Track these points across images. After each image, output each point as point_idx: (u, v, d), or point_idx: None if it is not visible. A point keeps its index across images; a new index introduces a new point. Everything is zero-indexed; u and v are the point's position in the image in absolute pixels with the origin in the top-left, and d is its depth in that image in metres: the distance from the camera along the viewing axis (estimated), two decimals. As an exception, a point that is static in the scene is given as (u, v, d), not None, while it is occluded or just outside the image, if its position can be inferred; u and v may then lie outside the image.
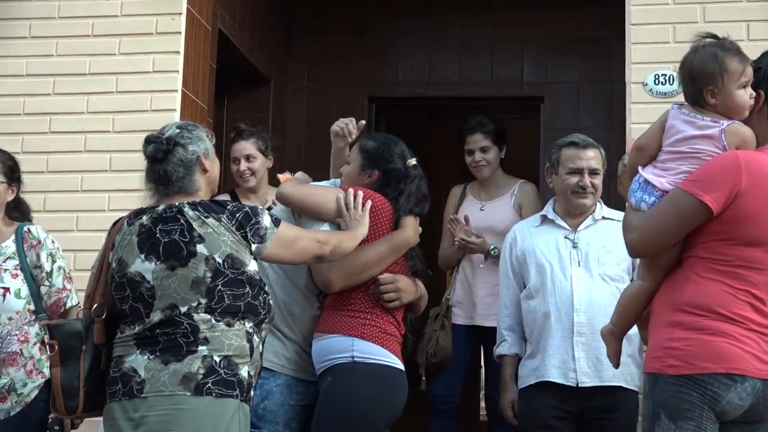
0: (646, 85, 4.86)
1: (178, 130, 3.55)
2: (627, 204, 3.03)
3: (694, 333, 2.73)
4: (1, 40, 5.27)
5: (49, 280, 4.18)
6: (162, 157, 3.45)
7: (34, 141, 5.20)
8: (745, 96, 2.82)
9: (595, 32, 6.36)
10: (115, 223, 3.61)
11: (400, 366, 3.84)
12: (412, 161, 4.01)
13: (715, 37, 2.92)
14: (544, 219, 4.28)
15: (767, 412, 2.84)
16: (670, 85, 4.79)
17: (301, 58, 7.27)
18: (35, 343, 4.14)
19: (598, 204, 4.22)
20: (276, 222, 3.55)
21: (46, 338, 3.78)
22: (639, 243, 2.92)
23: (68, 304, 4.19)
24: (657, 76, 4.85)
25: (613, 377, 3.80)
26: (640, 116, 4.75)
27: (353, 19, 7.21)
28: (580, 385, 3.87)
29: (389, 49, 7.26)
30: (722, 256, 2.76)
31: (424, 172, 4.01)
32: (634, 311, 3.07)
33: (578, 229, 4.09)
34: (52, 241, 4.24)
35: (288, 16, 7.23)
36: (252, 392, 3.49)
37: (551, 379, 3.78)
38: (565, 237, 4.15)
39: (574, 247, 3.99)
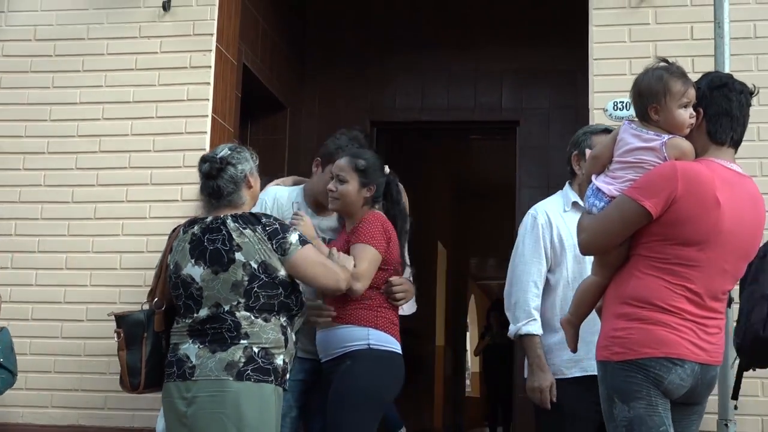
0: (606, 110, 4.81)
1: (229, 152, 3.63)
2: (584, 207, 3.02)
3: (635, 323, 2.74)
4: (60, 72, 5.23)
5: None
6: (216, 174, 3.54)
7: (86, 159, 5.16)
8: (685, 115, 2.80)
9: (563, 65, 6.33)
10: (174, 230, 3.68)
11: (400, 351, 3.87)
12: (387, 168, 3.99)
13: (666, 61, 2.92)
14: (575, 204, 3.69)
15: (705, 393, 2.88)
16: (627, 110, 4.67)
17: (312, 88, 7.28)
18: None
19: None
20: (303, 242, 3.55)
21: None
22: (588, 242, 2.91)
23: None
24: (615, 103, 4.81)
25: None
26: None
27: (358, 55, 7.21)
28: None
29: (388, 81, 7.28)
30: (661, 255, 2.76)
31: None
32: (588, 303, 3.04)
33: None
34: None
35: (302, 51, 7.24)
36: (287, 376, 3.51)
37: (588, 374, 3.39)
38: None
39: None
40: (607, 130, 3.59)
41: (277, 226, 3.52)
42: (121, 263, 5.02)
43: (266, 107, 6.77)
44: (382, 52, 7.24)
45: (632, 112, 4.56)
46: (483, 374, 11.37)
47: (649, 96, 2.83)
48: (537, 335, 3.73)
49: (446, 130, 8.09)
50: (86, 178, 5.13)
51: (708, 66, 4.63)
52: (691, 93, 2.81)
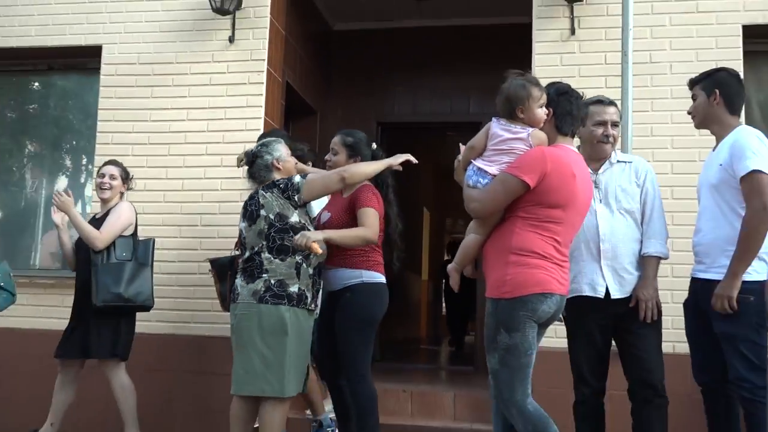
0: None
1: (258, 148, 3.67)
2: (465, 184, 2.91)
3: (521, 268, 2.70)
4: (156, 87, 5.17)
5: None
6: (251, 164, 3.61)
7: (176, 148, 5.12)
8: (542, 113, 2.81)
9: None
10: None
11: (385, 282, 3.75)
12: (374, 145, 3.91)
13: (522, 73, 2.90)
14: None
15: (558, 315, 2.86)
16: None
17: (335, 97, 7.17)
18: None
19: (613, 150, 3.42)
20: (304, 176, 3.55)
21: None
22: (479, 209, 2.84)
23: None
24: None
25: (631, 290, 3.21)
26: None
27: (368, 74, 7.14)
28: (608, 297, 3.21)
29: (389, 93, 7.20)
30: (535, 216, 2.73)
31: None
32: (470, 255, 2.97)
33: (598, 172, 3.31)
34: None
35: (327, 71, 7.12)
36: (308, 300, 3.43)
37: (584, 294, 3.22)
38: None
39: (596, 187, 3.24)
40: (600, 101, 3.37)
41: (286, 181, 3.51)
42: (201, 222, 4.99)
43: (302, 112, 6.68)
44: (385, 72, 7.15)
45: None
46: (445, 299, 10.42)
47: (516, 100, 2.79)
48: None
49: (430, 128, 8.03)
50: (176, 162, 5.08)
51: (617, 83, 4.57)
52: (545, 97, 2.82)
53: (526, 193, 2.71)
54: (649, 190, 3.29)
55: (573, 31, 4.72)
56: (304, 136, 6.76)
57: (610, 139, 3.31)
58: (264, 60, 5.06)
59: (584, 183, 2.84)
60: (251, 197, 3.53)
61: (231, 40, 5.09)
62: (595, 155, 3.34)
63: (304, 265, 3.42)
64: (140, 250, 4.25)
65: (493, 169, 2.80)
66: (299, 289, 3.38)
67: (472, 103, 7.04)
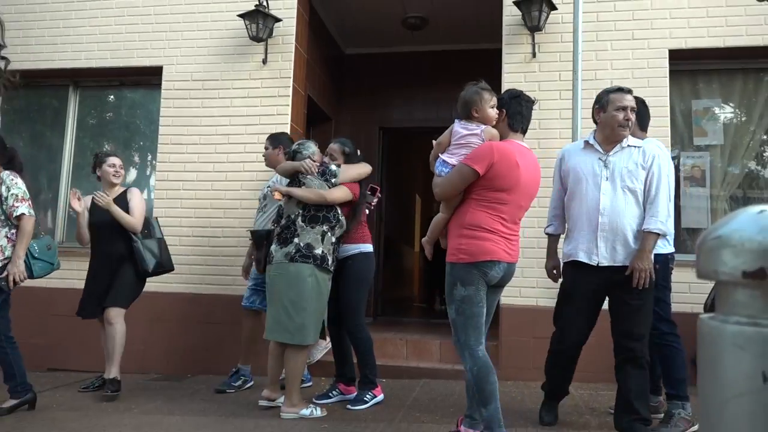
0: None
1: (297, 146, 3.67)
2: (435, 174, 2.86)
3: (472, 240, 2.68)
4: (205, 99, 5.16)
5: (6, 201, 3.53)
6: (293, 157, 3.61)
7: (221, 147, 5.09)
8: (493, 113, 2.78)
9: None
10: None
11: (372, 251, 3.82)
12: (358, 152, 3.91)
13: (477, 81, 2.86)
14: (586, 144, 3.16)
15: (508, 279, 2.81)
16: None
17: (346, 106, 7.14)
18: (4, 236, 3.55)
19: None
20: (338, 166, 3.60)
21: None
22: (441, 193, 2.79)
23: (15, 213, 3.52)
24: None
25: (623, 260, 2.98)
26: None
27: (372, 87, 7.09)
28: (600, 265, 3.01)
29: (390, 103, 7.15)
30: (485, 198, 2.70)
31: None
32: (438, 229, 2.90)
33: (609, 153, 3.05)
34: (11, 179, 3.56)
35: (340, 84, 7.08)
36: (329, 263, 3.41)
37: (579, 259, 3.07)
38: (599, 158, 3.05)
39: (605, 166, 3.04)
40: (620, 89, 3.10)
41: (324, 167, 3.55)
42: (241, 205, 5.00)
43: (320, 119, 6.67)
44: (385, 87, 7.11)
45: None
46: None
47: (471, 102, 2.78)
48: (552, 234, 3.35)
49: (422, 131, 7.82)
50: (221, 158, 5.10)
51: (568, 96, 4.62)
52: (495, 100, 2.80)
53: (478, 179, 2.68)
54: (654, 173, 3.02)
55: (534, 55, 4.77)
56: (323, 137, 6.77)
57: (630, 123, 3.04)
58: (290, 78, 5.10)
59: (529, 171, 2.77)
60: (292, 179, 3.58)
61: (264, 62, 5.12)
62: (613, 138, 3.08)
63: (329, 234, 3.45)
64: (156, 228, 4.24)
65: (453, 161, 2.78)
66: (322, 252, 3.40)
67: (454, 112, 6.93)
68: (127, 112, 5.79)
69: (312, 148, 3.68)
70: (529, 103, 2.89)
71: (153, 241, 4.15)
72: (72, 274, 5.14)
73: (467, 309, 2.67)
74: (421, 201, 12.15)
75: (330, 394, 3.80)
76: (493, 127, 2.80)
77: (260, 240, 3.63)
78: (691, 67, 4.77)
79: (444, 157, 2.82)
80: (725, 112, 4.79)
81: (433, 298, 8.98)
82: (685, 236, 4.69)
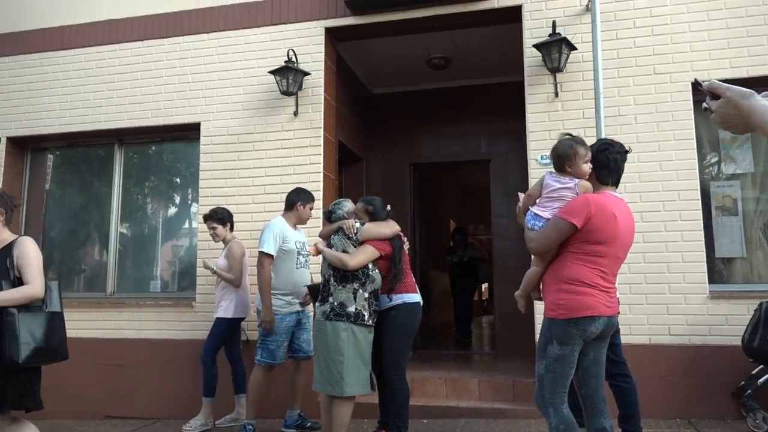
0: (537, 159, 4.73)
1: (332, 206, 3.81)
2: (525, 227, 2.79)
3: (572, 295, 2.61)
4: (241, 152, 5.32)
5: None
6: (329, 215, 3.75)
7: (258, 197, 5.23)
8: (587, 167, 2.71)
9: (514, 130, 5.96)
10: None
11: (420, 301, 3.84)
12: (388, 207, 3.89)
13: (570, 134, 2.82)
14: None
15: (610, 332, 2.74)
16: (546, 160, 4.59)
17: (376, 145, 7.27)
18: None
19: None
20: (362, 224, 3.68)
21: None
22: (537, 248, 2.71)
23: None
24: (542, 156, 4.69)
25: None
26: (533, 173, 4.65)
27: (401, 125, 7.22)
28: None
29: (418, 139, 7.24)
30: (583, 251, 2.63)
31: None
32: (533, 284, 2.85)
33: None
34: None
35: (369, 125, 7.22)
36: (365, 318, 3.48)
37: None
38: None
39: None
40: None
41: (342, 228, 3.64)
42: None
43: (351, 159, 6.80)
44: (413, 124, 7.24)
45: (548, 161, 4.62)
46: (451, 286, 8.56)
47: (565, 157, 2.70)
48: None
49: (452, 165, 7.98)
50: (258, 208, 5.22)
51: (592, 133, 4.64)
52: (589, 155, 2.73)
53: (575, 233, 2.63)
54: None
55: (557, 94, 4.81)
56: (354, 177, 6.96)
57: None
58: (320, 128, 5.24)
59: (625, 222, 2.72)
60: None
61: (295, 114, 5.27)
62: None
63: (360, 290, 3.54)
64: (54, 295, 2.95)
65: (546, 214, 2.72)
66: (356, 309, 3.49)
67: (482, 144, 7.10)
68: (168, 164, 5.99)
69: (347, 206, 3.79)
70: (620, 153, 2.82)
71: (39, 317, 2.80)
72: (125, 324, 5.41)
73: (559, 368, 2.63)
74: (454, 225, 12.21)
75: (374, 440, 3.88)
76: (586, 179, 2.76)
77: (315, 293, 3.79)
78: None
79: (536, 210, 2.77)
80: (754, 139, 4.77)
81: (465, 329, 8.51)
82: (720, 266, 4.66)
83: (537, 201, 2.80)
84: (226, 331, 4.71)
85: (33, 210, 6.17)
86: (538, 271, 2.80)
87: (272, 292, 4.24)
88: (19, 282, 2.81)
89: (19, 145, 6.12)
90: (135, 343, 5.32)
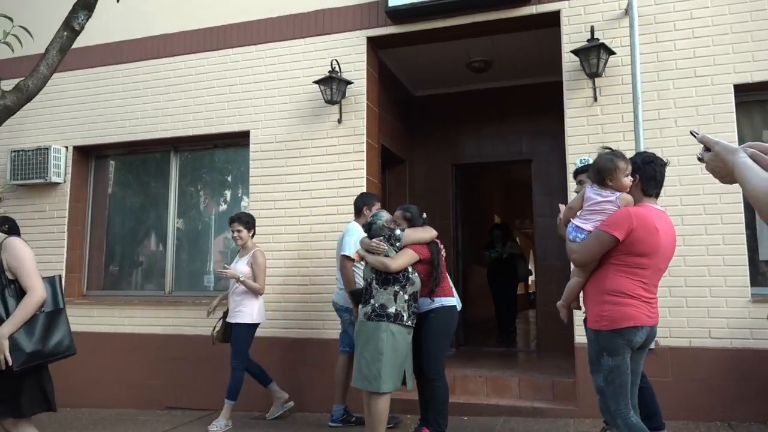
0: (575, 163, 4.43)
1: (371, 217, 3.98)
2: (567, 239, 2.87)
3: (615, 306, 2.69)
4: (289, 158, 5.52)
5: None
6: (368, 230, 3.91)
7: (323, 201, 5.41)
8: (627, 180, 2.75)
9: (554, 132, 6.05)
10: None
11: (455, 304, 3.99)
12: (424, 215, 4.06)
13: (609, 148, 2.86)
14: None
15: (651, 341, 2.81)
16: (585, 163, 4.59)
17: (418, 147, 7.38)
18: None
19: None
20: (403, 230, 3.84)
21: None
22: (579, 259, 2.80)
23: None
24: (580, 159, 4.34)
25: None
26: (572, 177, 4.60)
27: (443, 127, 7.32)
28: None
29: (460, 140, 7.33)
30: (625, 263, 2.70)
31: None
32: (575, 294, 2.97)
33: None
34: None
35: (411, 127, 7.34)
36: (404, 319, 3.64)
37: None
38: None
39: None
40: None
41: (389, 233, 3.80)
42: (326, 255, 5.30)
43: (394, 162, 6.94)
44: (455, 125, 7.33)
45: (587, 164, 4.65)
46: (489, 283, 8.36)
47: (605, 171, 2.75)
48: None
49: (494, 165, 8.06)
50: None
51: (631, 137, 4.69)
52: (630, 168, 2.77)
53: (617, 245, 2.68)
54: None
55: (595, 99, 4.84)
56: (398, 179, 7.13)
57: None
58: (363, 134, 5.41)
59: (667, 234, 2.77)
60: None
61: (339, 121, 5.47)
62: None
63: (401, 293, 3.72)
64: (58, 293, 2.92)
65: (588, 226, 2.78)
66: (396, 310, 3.67)
67: (523, 144, 7.15)
68: (221, 169, 6.28)
69: (384, 216, 3.97)
70: (663, 166, 2.89)
71: (34, 322, 2.73)
72: (182, 321, 5.77)
73: (617, 378, 2.68)
74: (500, 218, 12.26)
75: (415, 437, 4.05)
76: (627, 192, 2.80)
77: (358, 297, 3.99)
78: (760, 97, 4.69)
79: (577, 222, 2.83)
80: (800, 140, 4.71)
81: (507, 326, 8.44)
82: (764, 269, 4.63)
83: (578, 213, 2.87)
84: (251, 335, 4.82)
85: (97, 213, 6.61)
86: (580, 282, 2.89)
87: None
88: (12, 284, 2.75)
89: (84, 153, 6.56)
90: (192, 339, 5.66)
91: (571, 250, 2.82)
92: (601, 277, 2.76)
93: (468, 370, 5.33)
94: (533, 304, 12.71)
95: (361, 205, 4.71)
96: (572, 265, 2.98)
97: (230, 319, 4.85)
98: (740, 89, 4.58)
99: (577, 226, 2.82)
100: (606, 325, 2.69)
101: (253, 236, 5.01)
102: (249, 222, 4.93)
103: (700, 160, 1.47)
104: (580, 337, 4.42)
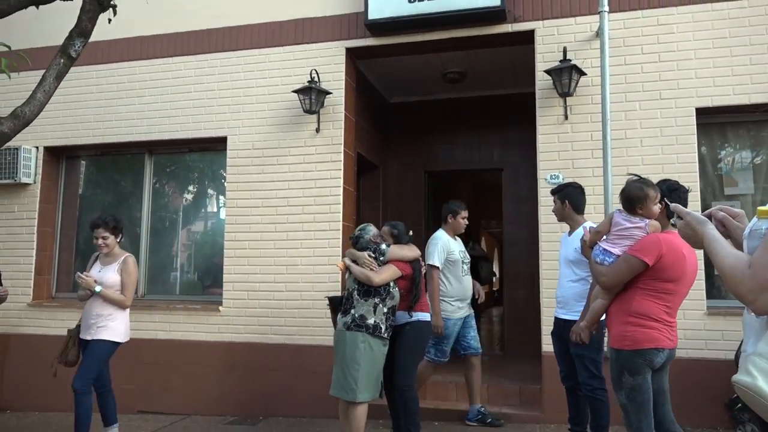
0: (545, 179, 4.94)
1: (357, 232, 4.04)
2: (591, 261, 2.98)
3: (638, 328, 2.78)
4: (266, 165, 5.57)
5: None
6: (356, 240, 3.99)
7: (281, 208, 5.49)
8: (657, 209, 2.82)
9: (526, 143, 6.29)
10: None
11: (429, 318, 4.12)
12: (410, 233, 4.20)
13: (638, 175, 2.94)
14: None
15: (670, 361, 2.90)
16: (556, 179, 4.86)
17: (392, 154, 7.49)
18: None
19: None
20: (389, 246, 3.93)
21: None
22: (608, 282, 2.86)
23: None
24: (551, 175, 4.92)
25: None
26: (542, 192, 4.85)
27: (417, 135, 7.45)
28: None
29: (433, 148, 7.46)
30: (652, 288, 2.78)
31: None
32: (599, 316, 3.05)
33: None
34: None
35: (386, 135, 7.43)
36: (382, 331, 3.74)
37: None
38: None
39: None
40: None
41: (375, 246, 3.90)
42: (301, 262, 5.41)
43: (368, 168, 7.02)
44: (429, 133, 7.46)
45: (556, 180, 4.84)
46: None
47: (636, 200, 2.82)
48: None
49: (466, 173, 8.29)
50: (281, 219, 5.51)
51: (599, 155, 4.87)
52: (659, 196, 2.84)
53: (645, 270, 2.76)
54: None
55: (566, 117, 5.02)
56: (371, 185, 7.23)
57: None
58: (341, 144, 5.49)
59: (692, 261, 2.84)
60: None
61: (317, 130, 5.53)
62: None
63: (380, 305, 3.82)
64: None
65: (616, 251, 2.84)
66: (374, 321, 3.76)
67: (494, 154, 7.32)
68: (196, 173, 6.30)
69: (371, 230, 4.07)
70: (686, 193, 2.99)
71: None
72: (155, 326, 5.78)
73: (638, 397, 2.78)
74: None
75: (389, 445, 4.20)
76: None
77: (336, 306, 4.06)
78: (719, 120, 4.94)
79: (606, 246, 2.90)
80: (755, 162, 4.97)
81: None
82: (718, 282, 4.90)
83: (605, 237, 2.96)
84: (111, 355, 4.21)
85: (67, 215, 6.53)
86: (604, 304, 2.97)
87: (443, 299, 4.57)
88: None
89: (55, 154, 6.46)
90: (164, 343, 5.66)
91: (599, 273, 2.90)
92: (628, 300, 2.84)
93: (438, 376, 5.44)
94: (498, 302, 12.99)
95: (445, 214, 4.80)
96: (596, 289, 3.08)
97: (89, 336, 4.15)
98: (701, 112, 4.82)
99: (605, 249, 2.90)
100: (629, 345, 2.78)
101: (120, 241, 4.39)
102: (116, 227, 4.30)
103: (673, 225, 1.64)
104: (547, 346, 4.61)
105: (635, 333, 2.77)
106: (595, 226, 3.25)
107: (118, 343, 4.20)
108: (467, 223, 4.82)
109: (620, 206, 2.96)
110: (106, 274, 4.21)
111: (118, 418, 4.29)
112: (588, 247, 3.06)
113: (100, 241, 4.25)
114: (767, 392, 1.20)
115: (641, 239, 2.79)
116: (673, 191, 2.95)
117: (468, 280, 4.75)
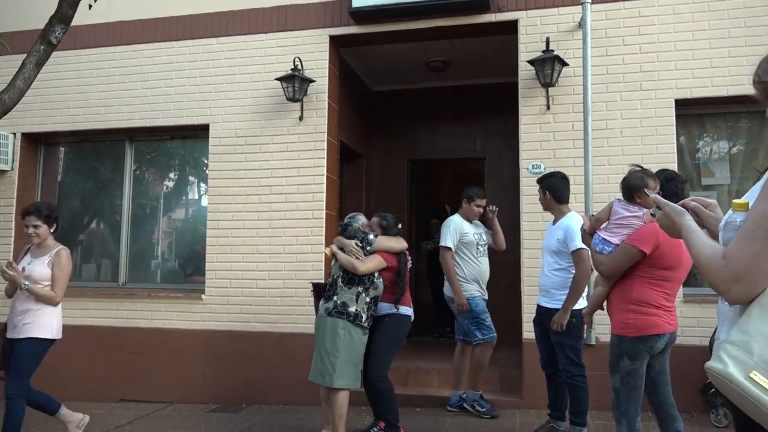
0: (528, 168, 4.97)
1: (347, 220, 4.08)
2: (591, 249, 3.01)
3: (640, 315, 2.83)
4: (249, 153, 5.53)
5: None
6: (345, 228, 4.02)
7: (265, 197, 5.46)
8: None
9: (509, 132, 6.25)
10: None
11: (410, 314, 4.12)
12: (399, 225, 4.25)
13: (639, 166, 2.96)
14: None
15: (671, 345, 2.97)
16: (538, 169, 4.88)
17: (375, 143, 7.49)
18: None
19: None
20: (376, 236, 3.95)
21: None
22: (607, 271, 2.91)
23: None
24: (533, 165, 4.95)
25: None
26: (524, 182, 4.93)
27: (400, 123, 7.45)
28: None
29: (416, 137, 7.48)
30: (651, 275, 2.84)
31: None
32: (600, 302, 3.07)
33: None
34: None
35: (369, 123, 7.43)
36: (363, 320, 3.78)
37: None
38: None
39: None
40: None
41: (362, 236, 3.93)
42: (284, 251, 5.41)
43: (352, 156, 7.02)
44: (412, 121, 7.47)
45: (538, 170, 4.87)
46: (427, 276, 7.56)
47: (635, 189, 2.85)
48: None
49: (448, 161, 8.22)
50: (264, 207, 5.50)
51: (581, 145, 4.92)
52: (658, 186, 2.86)
53: (643, 259, 2.81)
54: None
55: (548, 107, 5.07)
56: (355, 173, 7.23)
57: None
58: (324, 132, 5.49)
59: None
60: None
61: (300, 118, 5.52)
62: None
63: (363, 294, 3.85)
64: None
65: (615, 240, 2.88)
66: (356, 310, 3.80)
67: (477, 143, 7.36)
68: (178, 161, 6.27)
69: (361, 219, 4.10)
70: (683, 183, 3.06)
71: None
72: (137, 315, 5.75)
73: (632, 381, 2.85)
74: (449, 209, 12.51)
75: (371, 431, 4.18)
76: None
77: (320, 291, 4.10)
78: (697, 111, 5.02)
79: (605, 235, 2.94)
80: (731, 153, 5.08)
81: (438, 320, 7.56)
82: (694, 271, 5.00)
83: (604, 226, 2.99)
84: (43, 353, 3.84)
85: (46, 201, 6.44)
86: (604, 291, 3.03)
87: (459, 279, 4.63)
88: None
89: (33, 140, 6.37)
90: (146, 332, 5.64)
91: (598, 262, 2.95)
92: (627, 288, 2.89)
93: (419, 362, 5.54)
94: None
95: (462, 198, 4.84)
96: (595, 276, 3.15)
97: (16, 334, 3.77)
98: (680, 104, 4.90)
99: (604, 238, 2.93)
100: (632, 332, 2.84)
101: (55, 232, 3.99)
102: (50, 216, 3.91)
103: (653, 215, 1.69)
104: (528, 333, 4.68)
105: (637, 320, 2.83)
106: (580, 216, 3.28)
107: (50, 340, 3.82)
108: (482, 211, 4.84)
109: (620, 195, 2.99)
110: (35, 267, 3.82)
111: (62, 402, 4.12)
112: (588, 234, 3.09)
113: (31, 230, 3.83)
114: (737, 378, 1.26)
115: (639, 228, 2.83)
116: (670, 180, 2.99)
117: (485, 261, 4.79)
